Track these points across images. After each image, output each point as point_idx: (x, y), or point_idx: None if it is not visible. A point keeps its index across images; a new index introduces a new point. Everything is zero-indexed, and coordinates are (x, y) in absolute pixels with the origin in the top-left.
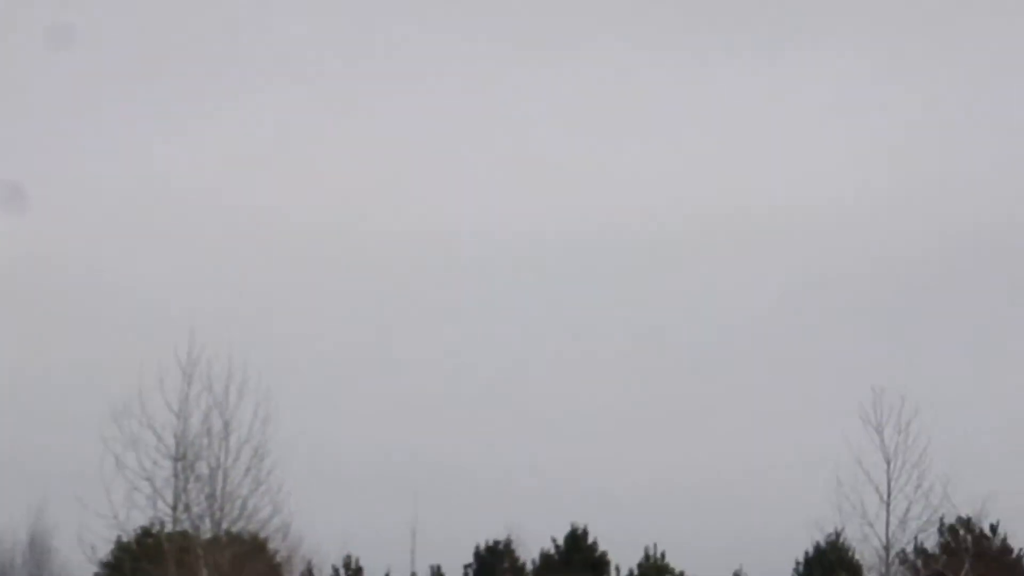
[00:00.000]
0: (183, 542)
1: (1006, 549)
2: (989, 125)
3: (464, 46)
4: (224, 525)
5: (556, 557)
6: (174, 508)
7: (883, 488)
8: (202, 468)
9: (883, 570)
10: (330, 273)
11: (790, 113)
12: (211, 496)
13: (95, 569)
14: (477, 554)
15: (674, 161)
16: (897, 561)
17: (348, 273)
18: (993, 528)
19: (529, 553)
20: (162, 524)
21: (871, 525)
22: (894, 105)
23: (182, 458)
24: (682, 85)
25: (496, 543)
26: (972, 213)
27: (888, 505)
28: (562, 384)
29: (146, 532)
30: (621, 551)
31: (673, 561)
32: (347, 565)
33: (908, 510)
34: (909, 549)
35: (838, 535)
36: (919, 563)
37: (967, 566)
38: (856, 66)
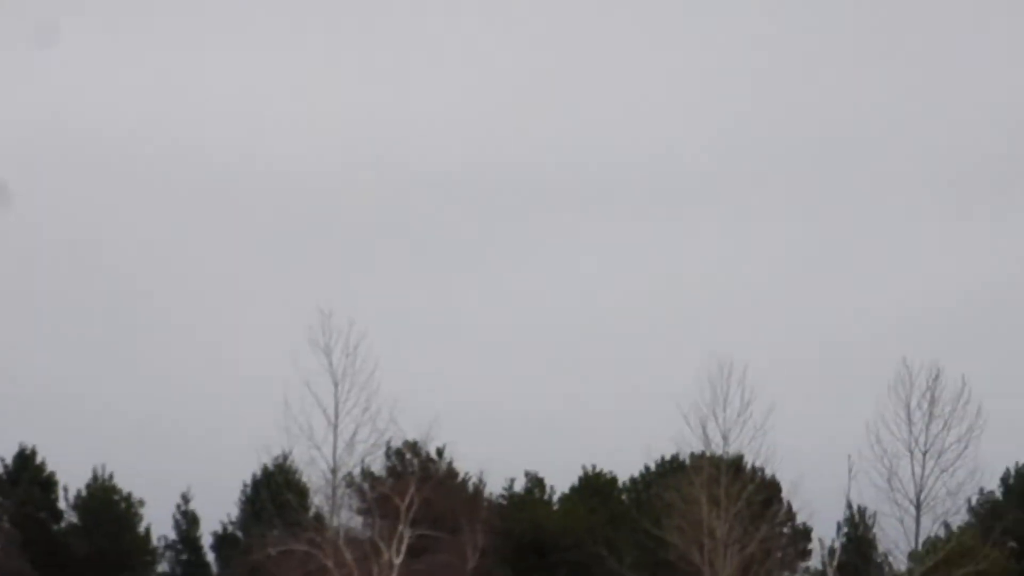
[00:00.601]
0: None
1: (452, 473)
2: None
3: None
4: None
5: (4, 476)
6: None
7: (331, 411)
8: None
9: (330, 492)
10: None
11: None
12: None
13: None
14: None
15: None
16: (344, 483)
17: None
18: (439, 451)
19: None
20: None
21: (319, 448)
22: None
23: None
24: None
25: None
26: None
27: (336, 428)
28: None
29: None
30: (71, 472)
31: (122, 482)
32: None
33: (355, 433)
34: (356, 472)
35: (286, 457)
36: (366, 486)
37: (412, 489)
38: None
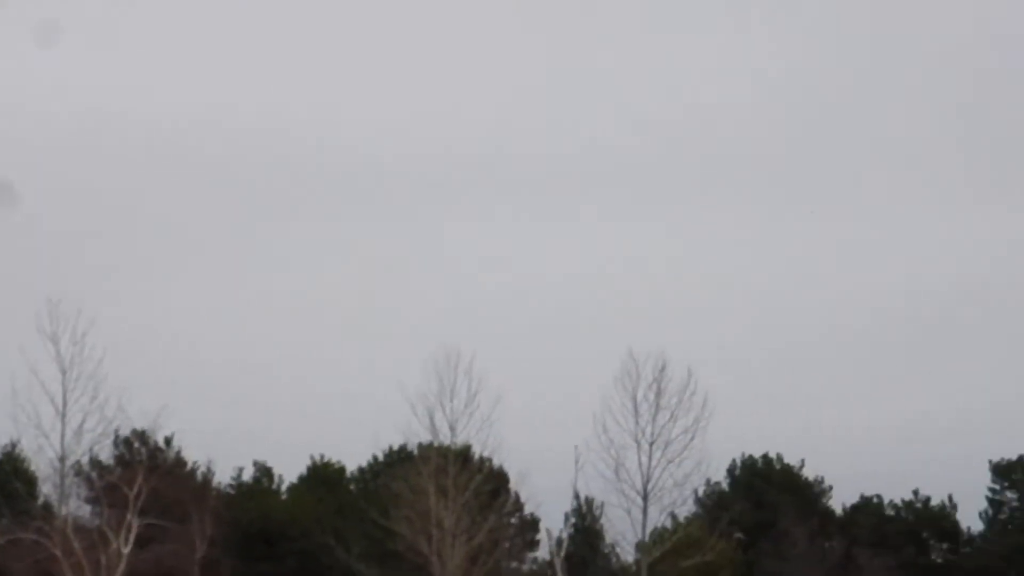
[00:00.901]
0: None
1: (180, 462)
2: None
3: None
4: None
5: None
6: None
7: (59, 399)
8: None
9: (58, 481)
10: None
11: None
12: None
13: None
14: None
15: None
16: (72, 472)
17: None
18: (168, 440)
19: None
20: None
21: (46, 436)
22: None
23: None
24: None
25: None
26: None
27: (64, 416)
28: None
29: None
30: None
31: None
32: None
33: (84, 422)
34: (85, 461)
35: (14, 446)
36: (94, 475)
37: (141, 478)
38: None
